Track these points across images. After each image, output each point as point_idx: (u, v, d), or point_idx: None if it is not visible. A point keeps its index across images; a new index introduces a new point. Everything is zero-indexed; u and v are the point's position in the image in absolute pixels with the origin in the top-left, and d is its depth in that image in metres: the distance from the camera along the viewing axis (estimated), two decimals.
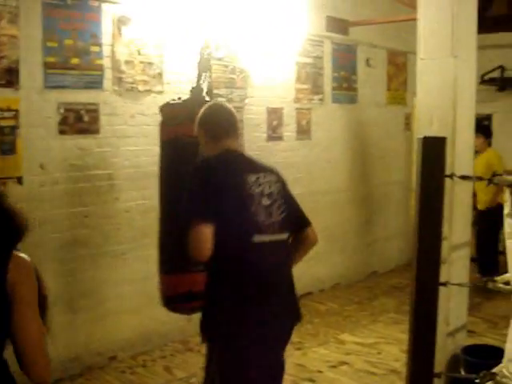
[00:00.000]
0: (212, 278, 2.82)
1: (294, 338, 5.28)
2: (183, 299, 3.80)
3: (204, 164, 2.87)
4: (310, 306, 6.16)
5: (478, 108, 8.09)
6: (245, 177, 2.81)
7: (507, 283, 3.12)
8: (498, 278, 3.18)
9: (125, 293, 4.88)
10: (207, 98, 3.94)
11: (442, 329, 4.14)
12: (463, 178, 2.99)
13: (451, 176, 2.85)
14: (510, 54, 7.83)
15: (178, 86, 5.04)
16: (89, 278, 4.67)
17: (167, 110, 4.03)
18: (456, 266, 4.16)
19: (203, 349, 5.04)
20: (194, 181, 2.77)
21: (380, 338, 5.38)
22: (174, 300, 3.90)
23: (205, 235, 2.61)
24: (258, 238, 2.76)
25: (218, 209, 2.65)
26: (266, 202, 2.82)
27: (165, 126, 3.98)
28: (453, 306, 4.20)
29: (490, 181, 2.90)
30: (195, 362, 4.81)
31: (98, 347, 4.74)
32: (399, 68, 7.68)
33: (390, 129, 7.56)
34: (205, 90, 4.10)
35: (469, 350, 4.26)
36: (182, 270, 3.72)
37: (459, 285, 3.48)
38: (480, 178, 3.18)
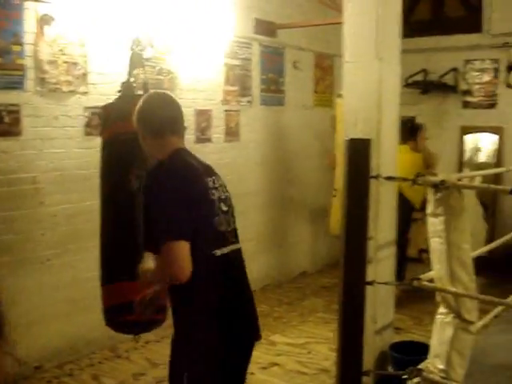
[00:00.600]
0: (178, 295, 2.61)
1: None
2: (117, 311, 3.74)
3: (167, 170, 2.58)
4: None
5: (403, 110, 8.29)
6: (205, 181, 2.64)
7: (431, 281, 3.20)
8: (423, 276, 3.26)
9: (50, 300, 4.74)
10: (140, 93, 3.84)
11: (369, 327, 4.21)
12: (388, 178, 3.06)
13: (377, 177, 2.92)
14: (432, 57, 8.08)
15: (103, 87, 4.95)
16: (13, 286, 4.50)
17: (101, 110, 4.01)
18: (382, 265, 4.25)
19: (132, 355, 4.99)
20: (162, 191, 2.48)
21: (310, 337, 5.44)
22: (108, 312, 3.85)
23: (186, 253, 2.42)
24: (223, 250, 2.61)
25: (190, 221, 2.47)
26: (224, 208, 2.69)
27: (101, 126, 3.99)
28: (380, 305, 4.28)
29: (414, 181, 2.98)
30: (124, 369, 4.73)
31: (22, 357, 4.57)
32: (326, 71, 7.80)
33: (318, 130, 7.66)
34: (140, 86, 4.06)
35: (396, 346, 4.35)
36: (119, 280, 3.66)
37: (386, 283, 3.54)
38: (404, 179, 3.24)
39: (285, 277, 7.15)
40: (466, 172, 6.13)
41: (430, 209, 2.96)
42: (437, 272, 3.07)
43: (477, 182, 3.78)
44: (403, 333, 5.29)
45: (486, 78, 7.81)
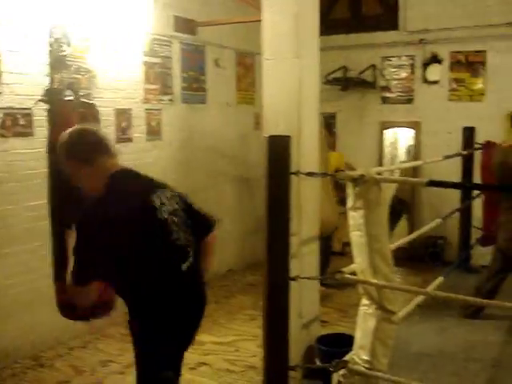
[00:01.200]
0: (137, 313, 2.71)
1: None
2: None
3: (95, 215, 2.53)
4: None
5: (323, 107, 8.45)
6: (149, 204, 2.64)
7: (354, 274, 3.27)
8: (345, 269, 3.32)
9: None
10: (70, 98, 3.69)
11: (295, 322, 4.26)
12: (309, 174, 3.09)
13: (296, 173, 2.94)
14: (352, 54, 8.24)
15: (19, 87, 4.77)
16: None
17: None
18: (306, 260, 4.30)
19: (56, 363, 4.85)
20: (83, 234, 2.50)
21: (237, 335, 5.45)
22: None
23: (89, 293, 2.56)
24: (183, 265, 2.69)
25: (133, 249, 2.52)
26: (176, 219, 2.71)
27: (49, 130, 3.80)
28: (305, 299, 4.33)
29: (333, 177, 3.02)
30: (48, 377, 4.59)
31: None
32: (248, 68, 7.82)
33: (241, 128, 7.67)
34: (65, 90, 3.89)
35: (323, 339, 4.42)
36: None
37: (309, 278, 3.58)
38: (324, 174, 3.29)
39: (211, 275, 7.09)
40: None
41: (350, 203, 3.02)
42: (358, 265, 3.14)
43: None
44: (329, 326, 5.37)
45: (403, 74, 8.03)
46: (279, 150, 2.87)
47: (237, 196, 7.70)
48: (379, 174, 3.45)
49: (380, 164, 8.08)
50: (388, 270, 3.04)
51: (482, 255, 7.34)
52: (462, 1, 7.50)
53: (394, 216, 8.24)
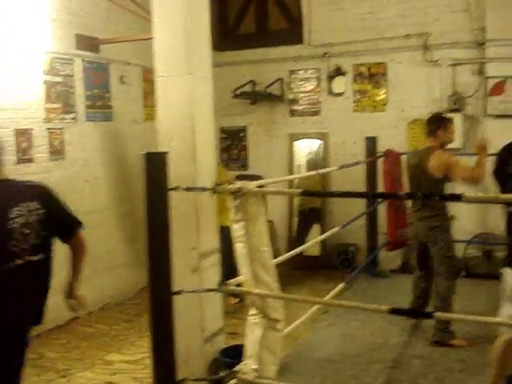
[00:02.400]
0: None
1: (59, 365, 5.15)
2: None
3: None
4: (78, 330, 6.02)
5: (233, 121, 8.60)
6: (5, 212, 2.92)
7: (241, 285, 3.33)
8: (233, 281, 3.39)
9: None
10: None
11: (198, 335, 4.30)
12: (188, 189, 3.14)
13: (176, 188, 2.98)
14: (260, 69, 8.37)
15: None
16: None
17: None
18: (207, 273, 4.34)
19: None
20: None
21: (147, 352, 5.37)
22: None
23: None
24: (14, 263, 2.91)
25: None
26: (27, 231, 2.96)
27: None
28: (207, 312, 4.37)
29: (214, 190, 3.08)
30: None
31: None
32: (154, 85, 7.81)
33: (148, 144, 7.61)
34: None
35: (229, 351, 4.45)
36: None
37: (194, 291, 3.60)
38: (204, 189, 3.34)
39: (125, 294, 7.05)
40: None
41: (231, 216, 3.09)
42: (244, 275, 3.20)
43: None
44: (239, 337, 5.40)
45: (310, 86, 8.22)
46: (157, 166, 2.90)
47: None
48: (261, 186, 3.55)
49: (290, 173, 8.22)
50: (270, 279, 3.12)
51: (391, 260, 7.62)
52: (362, 15, 7.76)
53: (306, 225, 8.42)
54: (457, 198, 2.52)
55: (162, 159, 2.92)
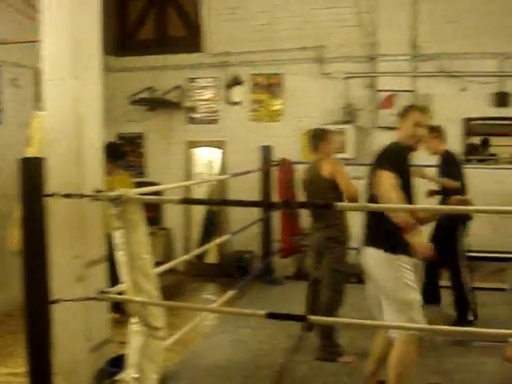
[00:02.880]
0: None
1: None
2: None
3: None
4: None
5: (131, 127, 8.52)
6: None
7: (121, 293, 3.30)
8: (113, 289, 3.35)
9: None
10: None
11: (82, 345, 4.20)
12: (66, 196, 3.09)
13: (53, 195, 2.93)
14: (158, 75, 8.34)
15: None
16: None
17: None
18: (94, 281, 4.26)
19: None
20: None
21: None
22: None
23: None
24: None
25: None
26: None
27: None
28: (93, 322, 4.28)
29: (93, 197, 3.04)
30: None
31: None
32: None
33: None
34: None
35: (116, 361, 4.37)
36: None
37: (73, 300, 3.53)
38: (82, 196, 3.29)
39: (12, 305, 6.79)
40: None
41: (112, 223, 3.06)
42: (125, 283, 3.18)
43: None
44: None
45: (208, 95, 8.27)
46: (32, 172, 2.84)
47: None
48: (158, 193, 3.54)
49: (188, 180, 8.23)
50: (151, 287, 3.11)
51: (286, 266, 7.77)
52: (260, 26, 7.90)
53: (209, 233, 8.44)
54: (328, 206, 2.62)
55: (38, 165, 2.86)
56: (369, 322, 3.20)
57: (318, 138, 5.24)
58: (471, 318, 5.74)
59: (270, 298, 6.68)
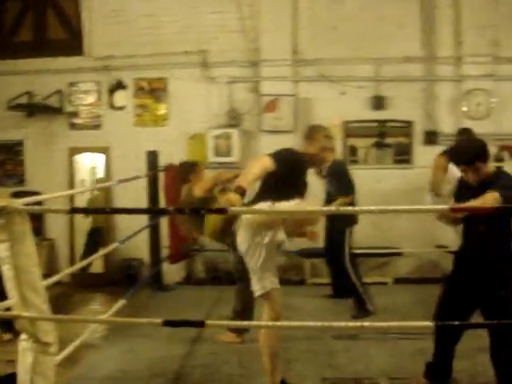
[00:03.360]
0: None
1: None
2: None
3: None
4: None
5: (8, 134, 8.12)
6: None
7: (9, 309, 3.14)
8: (0, 304, 3.19)
9: None
10: None
11: None
12: None
13: None
14: (37, 79, 8.01)
15: None
16: None
17: None
18: None
19: None
20: None
21: None
22: None
23: None
24: None
25: None
26: None
27: None
28: None
29: None
30: None
31: None
32: None
33: None
34: None
35: (5, 379, 4.16)
36: None
37: None
38: None
39: None
40: None
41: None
42: (13, 299, 3.03)
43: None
44: None
45: (91, 99, 8.05)
46: None
47: None
48: (38, 202, 3.39)
49: (71, 188, 7.96)
50: (40, 301, 2.98)
51: (176, 272, 7.72)
52: (143, 30, 7.79)
53: (94, 243, 8.20)
54: (223, 211, 2.63)
55: None
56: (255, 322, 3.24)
57: (187, 171, 5.38)
58: (370, 307, 6.11)
59: (161, 305, 6.62)
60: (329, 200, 6.05)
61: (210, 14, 7.72)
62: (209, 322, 3.08)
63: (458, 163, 4.10)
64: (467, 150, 4.03)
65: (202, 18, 7.73)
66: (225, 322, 3.31)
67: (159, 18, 7.76)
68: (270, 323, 3.66)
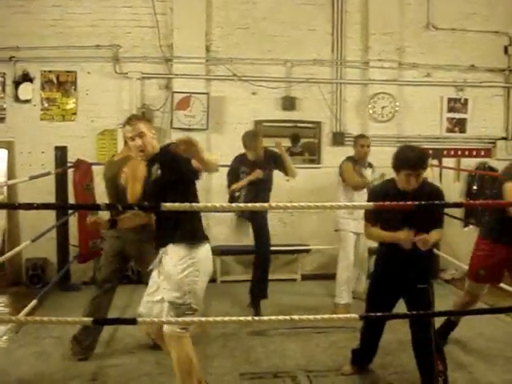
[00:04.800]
0: None
1: None
2: None
3: None
4: None
5: None
6: None
7: None
8: None
9: None
10: None
11: None
12: None
13: None
14: None
15: None
16: None
17: None
18: None
19: None
20: None
21: None
22: None
23: None
24: None
25: None
26: None
27: None
28: None
29: None
30: None
31: None
32: None
33: None
34: None
35: None
36: None
37: None
38: None
39: None
40: None
41: None
42: None
43: None
44: None
45: None
46: None
47: None
48: None
49: None
50: None
51: (84, 272, 7.52)
52: (52, 21, 7.51)
53: None
54: (156, 207, 2.61)
55: None
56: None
57: None
58: None
59: (70, 306, 6.39)
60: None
61: (122, 8, 7.55)
62: (140, 319, 3.03)
63: (416, 167, 4.09)
64: (423, 154, 4.20)
65: (115, 12, 7.54)
66: (156, 319, 3.28)
67: (69, 9, 7.49)
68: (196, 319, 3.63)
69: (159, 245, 3.85)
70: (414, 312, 3.99)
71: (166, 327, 3.66)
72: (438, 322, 4.95)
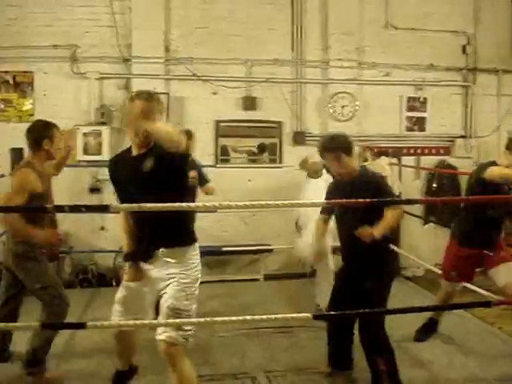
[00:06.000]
0: None
1: None
2: None
3: None
4: None
5: None
6: None
7: None
8: None
9: None
10: None
11: None
12: None
13: None
14: None
15: None
16: None
17: None
18: None
19: None
20: None
21: None
22: None
23: None
24: None
25: None
26: None
27: None
28: None
29: None
30: None
31: None
32: None
33: None
34: None
35: None
36: None
37: None
38: None
39: None
40: None
41: None
42: None
43: None
44: None
45: None
46: None
47: None
48: None
49: None
50: None
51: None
52: (7, 20, 7.37)
53: None
54: (105, 208, 2.57)
55: None
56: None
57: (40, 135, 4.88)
58: None
59: (28, 311, 6.27)
60: None
61: (80, 7, 7.44)
62: (89, 323, 2.98)
63: (323, 151, 4.20)
64: (332, 139, 4.25)
65: (73, 11, 7.42)
66: (106, 323, 3.20)
67: (26, 8, 7.36)
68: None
69: (155, 247, 3.57)
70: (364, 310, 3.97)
71: (164, 337, 3.39)
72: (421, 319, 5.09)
